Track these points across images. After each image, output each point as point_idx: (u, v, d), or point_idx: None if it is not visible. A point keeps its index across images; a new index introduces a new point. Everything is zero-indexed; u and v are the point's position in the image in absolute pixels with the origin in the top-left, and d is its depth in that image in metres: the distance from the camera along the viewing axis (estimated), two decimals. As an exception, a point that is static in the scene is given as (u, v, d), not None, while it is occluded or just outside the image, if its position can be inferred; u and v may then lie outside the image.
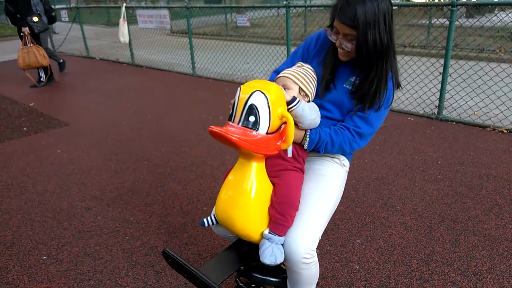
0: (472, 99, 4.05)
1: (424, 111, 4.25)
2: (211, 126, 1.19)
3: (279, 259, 1.28)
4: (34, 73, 6.29)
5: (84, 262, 2.13)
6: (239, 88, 1.26)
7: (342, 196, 2.62)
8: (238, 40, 9.69)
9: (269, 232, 1.30)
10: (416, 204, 2.54)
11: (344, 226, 2.35)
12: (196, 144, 3.67)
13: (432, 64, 4.28)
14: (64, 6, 16.18)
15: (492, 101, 4.02)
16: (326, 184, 1.49)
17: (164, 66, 7.33)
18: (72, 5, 14.15)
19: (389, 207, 2.53)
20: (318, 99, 1.49)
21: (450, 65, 3.91)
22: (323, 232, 2.26)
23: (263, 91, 1.21)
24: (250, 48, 7.26)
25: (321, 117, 1.41)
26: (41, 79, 6.30)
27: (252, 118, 1.21)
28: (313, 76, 1.46)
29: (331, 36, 1.39)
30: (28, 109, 5.04)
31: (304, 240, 1.30)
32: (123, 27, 7.12)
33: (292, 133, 1.25)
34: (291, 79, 1.40)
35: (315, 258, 1.37)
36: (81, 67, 7.91)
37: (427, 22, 8.27)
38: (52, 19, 6.34)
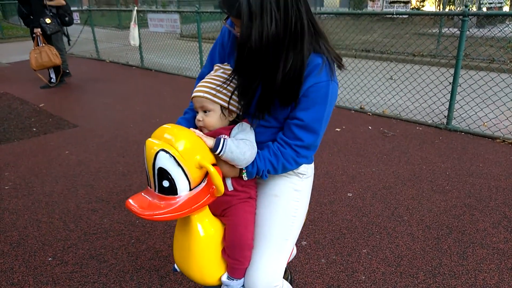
0: (482, 110, 4.02)
1: (433, 120, 4.22)
2: (128, 200, 1.07)
3: None
4: (45, 74, 6.36)
5: (89, 264, 2.14)
6: (145, 145, 1.11)
7: (349, 204, 2.63)
8: (247, 46, 9.71)
9: (227, 278, 1.26)
10: (424, 215, 2.52)
11: (350, 235, 2.33)
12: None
13: (442, 74, 4.25)
14: (76, 8, 16.39)
15: (502, 113, 3.98)
16: (280, 207, 1.31)
17: (173, 70, 7.37)
18: (84, 7, 14.32)
19: (396, 217, 2.50)
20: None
21: (460, 75, 3.89)
22: (329, 241, 2.25)
23: (167, 150, 1.04)
24: (259, 53, 7.26)
25: (259, 127, 1.23)
26: (52, 80, 6.36)
27: (166, 183, 1.06)
28: (228, 81, 1.20)
29: (234, 31, 1.16)
30: (38, 110, 5.09)
31: (264, 278, 1.22)
32: (134, 30, 7.19)
33: (219, 182, 1.09)
34: (208, 98, 1.18)
35: (282, 286, 1.29)
36: (91, 69, 7.99)
37: (437, 31, 8.23)
38: (64, 23, 6.35)
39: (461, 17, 3.72)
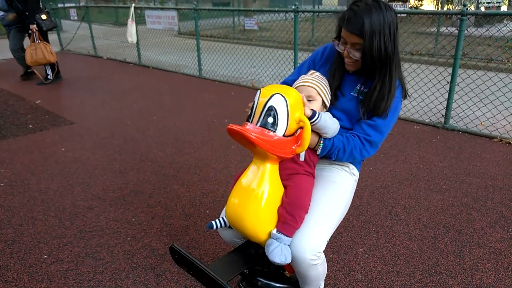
0: (479, 109, 4.02)
1: (431, 119, 4.22)
2: (230, 124, 1.21)
3: (288, 259, 1.30)
4: (41, 70, 6.32)
5: (84, 262, 2.13)
6: (258, 91, 1.30)
7: (346, 204, 2.62)
8: (245, 43, 9.70)
9: (277, 232, 1.30)
10: (421, 214, 2.52)
11: (347, 234, 2.33)
12: (200, 146, 3.66)
13: (440, 73, 4.25)
14: (73, 4, 16.30)
15: (500, 112, 3.98)
16: (335, 191, 1.52)
17: (171, 67, 7.35)
18: (82, 3, 14.23)
19: (393, 216, 2.50)
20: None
21: (458, 74, 3.89)
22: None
23: (283, 94, 1.25)
24: (257, 51, 7.26)
25: None
26: (48, 76, 6.33)
27: (270, 120, 1.24)
28: (328, 85, 1.50)
29: (339, 47, 1.45)
30: (34, 107, 5.06)
31: (310, 243, 1.32)
32: (131, 27, 7.15)
33: (308, 137, 1.28)
34: (316, 90, 1.43)
35: (322, 259, 1.39)
36: (88, 66, 7.95)
37: (436, 30, 8.23)
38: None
39: (459, 16, 3.72)
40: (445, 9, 12.64)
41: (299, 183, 1.37)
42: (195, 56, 6.74)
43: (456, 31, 3.81)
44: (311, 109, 1.35)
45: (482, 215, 2.49)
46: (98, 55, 8.95)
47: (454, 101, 4.00)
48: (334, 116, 1.48)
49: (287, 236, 1.31)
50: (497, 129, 3.80)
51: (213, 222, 1.45)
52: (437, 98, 4.30)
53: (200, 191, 2.86)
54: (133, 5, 7.15)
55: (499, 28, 5.16)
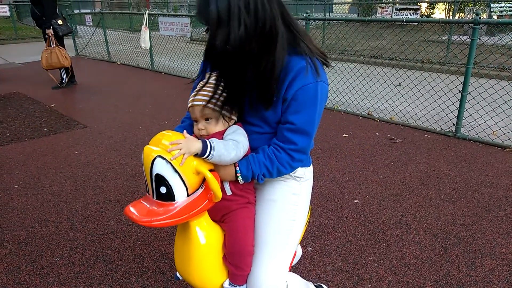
0: (491, 118, 3.98)
1: (442, 128, 4.19)
2: (126, 208, 1.07)
3: None
4: (57, 74, 6.44)
5: (95, 265, 2.15)
6: (142, 153, 1.12)
7: (356, 211, 2.61)
8: (256, 50, 9.74)
9: (229, 284, 1.25)
10: (431, 224, 2.50)
11: (357, 242, 2.32)
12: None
13: (452, 82, 4.22)
14: (88, 11, 16.59)
15: (513, 122, 3.94)
16: (278, 212, 1.31)
17: (183, 73, 7.42)
18: (97, 10, 14.48)
19: (403, 225, 2.48)
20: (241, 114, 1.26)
21: (470, 83, 3.86)
22: (335, 247, 2.24)
23: (164, 156, 1.06)
24: (268, 58, 7.28)
25: (252, 133, 1.24)
26: (63, 80, 6.44)
27: (163, 190, 1.07)
28: None
29: None
30: (49, 110, 5.16)
31: (266, 284, 1.22)
32: (145, 33, 7.26)
33: (216, 187, 1.09)
34: (210, 107, 1.17)
35: None
36: (102, 70, 8.07)
37: (447, 38, 8.19)
38: None
39: (472, 25, 3.70)
40: (456, 17, 12.56)
41: (234, 225, 1.24)
42: (207, 62, 6.79)
43: (468, 40, 3.80)
44: (200, 138, 1.14)
45: (494, 226, 2.46)
46: (112, 60, 9.08)
47: (465, 109, 3.97)
48: (250, 123, 1.25)
49: (240, 286, 1.24)
50: (509, 139, 3.76)
51: (178, 274, 1.38)
52: (448, 107, 4.27)
53: (210, 196, 2.87)
54: (147, 11, 7.27)
55: (513, 37, 5.11)
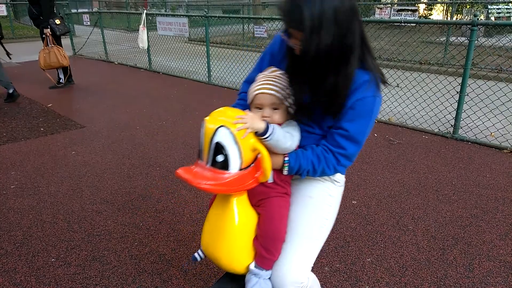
0: (489, 119, 3.99)
1: (439, 129, 4.19)
2: (179, 169, 1.11)
3: None
4: (54, 74, 6.41)
5: (92, 266, 2.14)
6: (203, 122, 1.15)
7: (353, 212, 2.61)
8: (254, 51, 9.76)
9: (255, 267, 1.25)
10: (429, 225, 2.49)
11: (355, 243, 2.32)
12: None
13: (450, 83, 4.23)
14: (86, 10, 16.55)
15: (510, 123, 3.95)
16: (314, 208, 1.36)
17: (181, 73, 7.41)
18: (94, 9, 14.45)
19: (401, 227, 2.48)
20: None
21: (468, 84, 3.86)
22: (333, 249, 2.23)
23: (228, 127, 1.10)
24: (266, 58, 7.27)
25: (302, 132, 1.29)
26: (60, 80, 6.42)
27: (220, 158, 1.11)
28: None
29: (290, 43, 1.18)
30: (46, 110, 5.13)
31: (291, 275, 1.24)
32: (143, 33, 7.24)
33: (268, 166, 1.16)
34: (279, 98, 1.22)
35: (308, 285, 1.30)
36: (100, 70, 8.05)
37: (445, 39, 8.21)
38: None
39: (470, 26, 3.71)
40: (454, 18, 12.59)
41: (271, 210, 1.26)
42: (205, 62, 6.80)
43: (466, 41, 3.80)
44: (264, 120, 1.18)
45: (492, 227, 2.46)
46: (110, 60, 9.06)
47: (463, 111, 3.97)
48: (303, 122, 1.29)
49: (266, 270, 1.24)
50: (507, 140, 3.77)
51: (196, 255, 1.39)
52: (446, 108, 4.27)
53: (208, 197, 2.86)
54: (145, 11, 7.25)
55: (510, 38, 5.13)
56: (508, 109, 3.93)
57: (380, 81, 1.24)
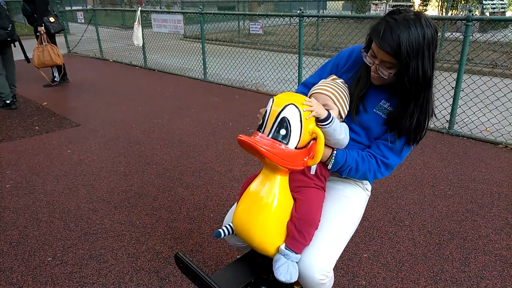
0: (484, 115, 4.01)
1: (435, 125, 4.21)
2: (240, 135, 1.17)
3: (294, 277, 1.25)
4: (48, 72, 6.37)
5: (88, 265, 2.13)
6: (271, 99, 1.24)
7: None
8: (250, 47, 9.73)
9: (285, 248, 1.26)
10: (425, 220, 2.51)
11: (351, 239, 2.32)
12: (205, 149, 3.67)
13: (445, 78, 4.24)
14: (80, 7, 16.43)
15: (505, 118, 3.97)
16: (348, 207, 1.44)
17: (176, 70, 7.38)
18: (89, 7, 14.35)
19: (398, 222, 2.49)
20: (347, 119, 1.42)
21: (463, 80, 3.87)
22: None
23: (297, 105, 1.20)
24: (262, 55, 7.28)
25: (349, 139, 1.37)
26: (55, 78, 6.38)
27: (283, 131, 1.19)
28: (348, 95, 1.39)
29: (367, 59, 1.30)
30: (40, 108, 5.10)
31: (320, 263, 1.27)
32: (138, 30, 7.20)
33: (321, 150, 1.23)
34: (333, 99, 1.33)
35: (330, 276, 1.34)
36: (95, 68, 8.00)
37: (440, 35, 8.22)
38: None
39: (465, 22, 3.71)
40: (449, 14, 12.62)
41: (309, 197, 1.32)
42: (200, 59, 6.77)
43: (461, 37, 3.81)
44: (327, 110, 1.28)
45: (487, 222, 2.48)
46: (105, 57, 9.01)
47: (459, 106, 3.99)
48: (352, 130, 1.40)
49: (296, 253, 1.26)
50: (502, 135, 3.79)
51: (221, 230, 1.41)
52: (441, 104, 4.29)
53: (205, 194, 2.86)
54: (140, 8, 7.21)
55: (505, 33, 5.14)
56: (503, 104, 3.95)
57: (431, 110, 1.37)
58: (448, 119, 4.07)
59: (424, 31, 1.17)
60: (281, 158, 1.18)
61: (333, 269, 2.01)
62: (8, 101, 5.04)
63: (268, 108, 1.24)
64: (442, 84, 4.34)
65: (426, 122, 1.33)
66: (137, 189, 2.94)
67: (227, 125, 4.33)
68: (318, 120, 1.25)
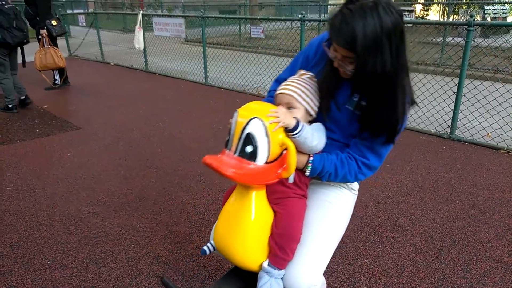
0: (486, 120, 4.00)
1: (437, 130, 4.20)
2: (206, 156, 1.12)
3: None
4: (50, 75, 6.38)
5: (88, 268, 2.12)
6: (235, 113, 1.17)
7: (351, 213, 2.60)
8: (251, 51, 9.75)
9: (268, 265, 1.24)
10: (427, 226, 2.50)
11: (352, 244, 2.31)
12: (205, 153, 3.64)
13: (446, 83, 4.24)
14: (82, 11, 16.50)
15: (507, 123, 3.96)
16: (332, 213, 1.37)
17: (177, 74, 7.39)
18: (90, 10, 14.41)
19: (399, 227, 2.48)
20: (319, 117, 1.33)
21: (464, 85, 3.87)
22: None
23: (261, 119, 1.13)
24: (263, 59, 7.28)
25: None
26: (56, 81, 6.39)
27: (249, 149, 1.13)
28: (317, 90, 1.29)
29: (330, 54, 1.19)
30: (41, 111, 5.10)
31: (306, 276, 1.23)
32: (139, 34, 7.22)
33: (293, 162, 1.17)
34: (296, 98, 1.24)
35: (320, 284, 1.30)
36: (96, 71, 8.02)
37: (442, 40, 8.23)
38: None
39: (466, 27, 3.71)
40: (450, 19, 12.65)
41: (289, 210, 1.26)
42: (202, 63, 6.78)
43: (463, 42, 3.81)
44: (295, 117, 1.20)
45: (489, 228, 2.47)
46: (106, 61, 9.02)
47: (460, 111, 3.98)
48: (325, 127, 1.31)
49: (280, 269, 1.23)
50: (504, 140, 3.78)
51: (205, 248, 1.38)
52: (443, 109, 4.28)
53: (205, 198, 2.85)
54: (141, 12, 7.23)
55: (506, 39, 5.15)
56: (504, 109, 3.94)
57: (410, 101, 1.23)
58: (450, 124, 4.06)
59: (382, 19, 1.03)
60: (251, 178, 1.13)
61: (333, 275, 2.00)
62: (10, 105, 5.04)
63: (233, 122, 1.18)
64: (443, 89, 4.34)
65: (399, 120, 1.19)
66: (137, 193, 2.94)
67: (227, 129, 4.32)
68: (287, 130, 1.18)
